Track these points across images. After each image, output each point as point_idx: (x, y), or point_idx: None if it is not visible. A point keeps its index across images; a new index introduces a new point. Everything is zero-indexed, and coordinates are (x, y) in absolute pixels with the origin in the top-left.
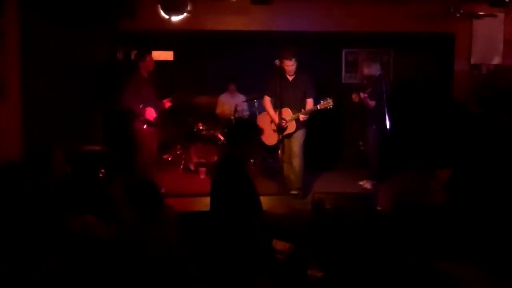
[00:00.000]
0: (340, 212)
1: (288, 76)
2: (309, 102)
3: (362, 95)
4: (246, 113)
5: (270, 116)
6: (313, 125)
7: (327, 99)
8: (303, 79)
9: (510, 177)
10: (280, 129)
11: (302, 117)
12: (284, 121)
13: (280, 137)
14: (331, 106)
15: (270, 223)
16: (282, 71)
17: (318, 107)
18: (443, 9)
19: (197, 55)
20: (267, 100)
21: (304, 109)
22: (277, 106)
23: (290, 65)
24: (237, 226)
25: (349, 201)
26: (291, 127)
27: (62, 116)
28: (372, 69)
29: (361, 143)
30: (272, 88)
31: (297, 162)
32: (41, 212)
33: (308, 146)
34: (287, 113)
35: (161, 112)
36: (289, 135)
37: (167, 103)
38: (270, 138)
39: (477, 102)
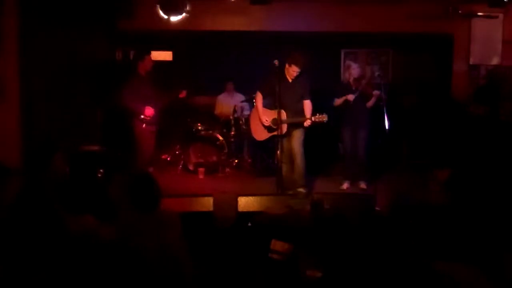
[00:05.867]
0: (339, 213)
1: (288, 77)
2: (308, 104)
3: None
4: (246, 113)
5: (258, 113)
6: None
7: (323, 114)
8: (303, 82)
9: (509, 178)
10: (269, 128)
11: (307, 123)
12: (267, 120)
13: (269, 136)
14: (325, 120)
15: (269, 223)
16: (282, 72)
17: (313, 119)
18: (442, 9)
19: (196, 55)
20: (259, 97)
21: (303, 111)
22: (275, 106)
23: (295, 71)
24: None
25: (348, 202)
26: (283, 129)
27: (61, 117)
28: (356, 71)
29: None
30: (266, 87)
31: (298, 160)
32: (40, 212)
33: (306, 146)
34: (281, 114)
35: (160, 111)
36: (284, 136)
37: (183, 94)
38: (259, 133)
39: (476, 102)
